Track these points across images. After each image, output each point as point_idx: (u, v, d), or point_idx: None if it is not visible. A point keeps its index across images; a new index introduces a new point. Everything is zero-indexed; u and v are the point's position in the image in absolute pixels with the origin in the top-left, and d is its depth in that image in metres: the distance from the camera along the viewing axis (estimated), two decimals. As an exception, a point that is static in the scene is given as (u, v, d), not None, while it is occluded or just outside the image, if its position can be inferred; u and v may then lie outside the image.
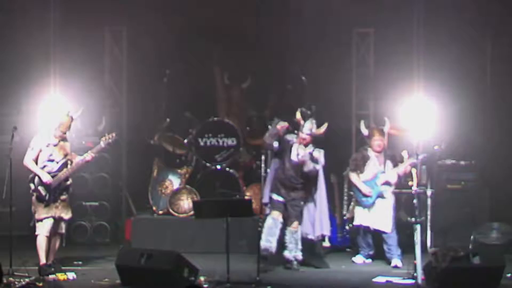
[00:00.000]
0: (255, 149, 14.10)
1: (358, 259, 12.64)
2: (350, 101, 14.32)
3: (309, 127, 12.06)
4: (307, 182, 12.10)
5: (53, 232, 11.71)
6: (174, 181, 13.92)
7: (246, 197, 13.35)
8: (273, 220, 11.92)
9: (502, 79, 13.97)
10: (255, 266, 11.15)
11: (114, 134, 11.95)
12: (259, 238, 11.39)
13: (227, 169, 13.93)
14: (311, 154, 11.96)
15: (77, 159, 11.76)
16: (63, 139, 11.83)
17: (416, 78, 13.25)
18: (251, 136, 14.20)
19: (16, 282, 10.86)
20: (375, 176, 12.43)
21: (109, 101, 14.33)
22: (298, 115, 12.17)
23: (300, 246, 12.01)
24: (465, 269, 10.68)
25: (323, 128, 12.15)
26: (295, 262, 12.03)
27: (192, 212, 12.82)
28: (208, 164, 13.99)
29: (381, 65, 14.13)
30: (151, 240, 13.10)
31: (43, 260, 11.58)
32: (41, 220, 11.61)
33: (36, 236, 11.62)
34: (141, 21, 14.03)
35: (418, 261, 10.77)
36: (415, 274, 10.83)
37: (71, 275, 11.45)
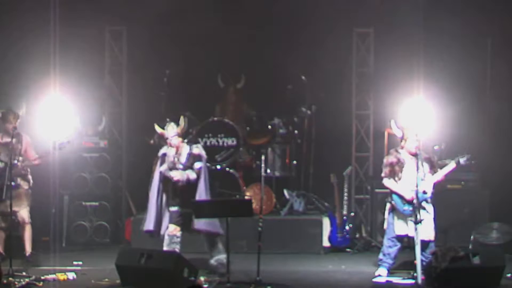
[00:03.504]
0: (255, 149, 14.10)
1: (383, 271, 11.51)
2: (350, 101, 14.34)
3: (171, 130, 11.51)
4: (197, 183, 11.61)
5: (20, 224, 12.05)
6: (174, 181, 13.88)
7: (246, 197, 13.35)
8: (169, 237, 11.38)
9: (502, 79, 13.98)
10: (255, 266, 11.17)
11: (68, 140, 11.97)
12: (259, 238, 11.33)
13: (227, 169, 13.93)
14: (190, 154, 11.55)
15: (26, 162, 11.95)
16: (13, 136, 11.82)
17: (416, 78, 13.23)
18: (251, 136, 14.19)
19: (16, 282, 10.87)
20: (415, 182, 11.11)
21: (109, 101, 14.33)
22: (158, 128, 11.66)
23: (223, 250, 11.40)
24: (465, 269, 10.68)
25: (182, 122, 11.62)
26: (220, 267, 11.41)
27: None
28: (208, 164, 13.95)
29: (381, 65, 14.15)
30: (151, 240, 13.09)
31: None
32: None
33: None
34: (141, 21, 14.02)
35: (418, 261, 10.77)
36: (415, 274, 10.84)
37: (71, 275, 11.45)
